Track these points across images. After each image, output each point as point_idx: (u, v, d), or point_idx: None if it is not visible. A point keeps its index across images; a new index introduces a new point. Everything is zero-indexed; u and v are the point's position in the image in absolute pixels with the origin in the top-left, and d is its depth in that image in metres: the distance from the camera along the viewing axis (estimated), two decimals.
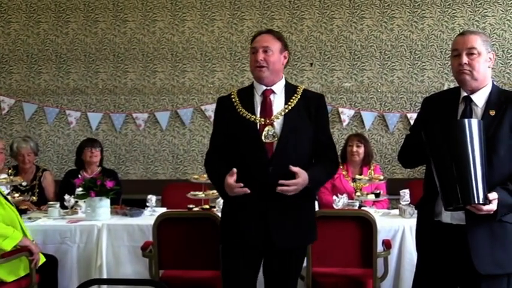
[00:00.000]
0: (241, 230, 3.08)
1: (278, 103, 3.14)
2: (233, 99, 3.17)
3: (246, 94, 3.19)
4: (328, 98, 6.37)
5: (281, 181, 2.96)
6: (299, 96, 3.15)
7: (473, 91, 2.84)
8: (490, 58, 2.84)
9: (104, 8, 6.51)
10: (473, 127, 2.65)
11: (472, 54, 2.79)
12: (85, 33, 6.52)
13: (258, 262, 3.20)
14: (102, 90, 6.55)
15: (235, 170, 3.00)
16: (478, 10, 6.35)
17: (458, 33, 2.98)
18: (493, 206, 2.66)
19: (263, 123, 3.08)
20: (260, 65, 3.10)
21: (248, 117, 3.10)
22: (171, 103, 6.53)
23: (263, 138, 3.06)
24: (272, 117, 3.09)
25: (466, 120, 2.69)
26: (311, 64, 6.44)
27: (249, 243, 3.08)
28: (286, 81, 3.23)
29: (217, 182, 3.13)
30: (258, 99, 3.15)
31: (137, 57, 6.52)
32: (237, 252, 3.12)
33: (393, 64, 6.42)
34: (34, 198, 5.31)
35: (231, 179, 3.00)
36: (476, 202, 2.63)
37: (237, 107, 3.14)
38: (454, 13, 6.36)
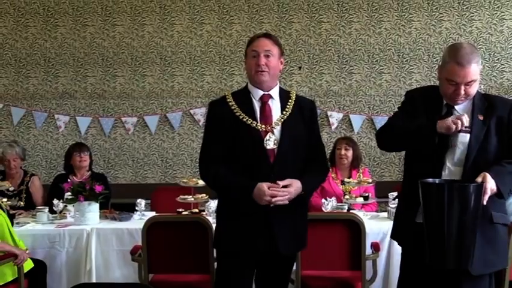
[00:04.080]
0: (244, 238, 3.05)
1: (275, 109, 3.14)
2: (230, 103, 3.11)
3: (243, 98, 3.14)
4: (316, 102, 6.32)
5: (271, 191, 2.96)
6: (293, 102, 3.15)
7: None
8: (480, 74, 2.88)
9: (93, 12, 6.50)
10: (472, 192, 2.63)
11: (470, 85, 2.80)
12: (74, 37, 6.51)
13: (254, 269, 3.19)
14: (91, 94, 6.54)
15: (280, 183, 2.98)
16: (465, 14, 6.40)
17: (452, 51, 2.83)
18: (490, 184, 2.66)
19: (264, 129, 3.07)
20: (262, 70, 3.07)
21: (249, 122, 3.06)
22: (160, 107, 6.53)
23: (265, 145, 3.05)
24: (272, 123, 3.09)
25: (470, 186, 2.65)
26: (300, 68, 6.46)
27: (252, 250, 3.07)
28: (280, 87, 3.23)
29: (242, 190, 3.02)
30: (256, 104, 3.12)
31: (126, 61, 6.52)
32: (234, 261, 3.11)
33: (381, 67, 6.46)
34: (21, 203, 5.29)
35: (265, 185, 2.96)
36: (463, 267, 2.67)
37: (235, 111, 3.09)
38: (441, 17, 6.41)
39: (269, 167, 3.03)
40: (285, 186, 2.99)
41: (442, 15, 6.42)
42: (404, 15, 6.43)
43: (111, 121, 6.51)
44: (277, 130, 3.08)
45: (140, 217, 4.75)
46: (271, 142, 3.06)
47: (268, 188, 2.96)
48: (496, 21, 6.38)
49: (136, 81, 6.52)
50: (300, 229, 3.17)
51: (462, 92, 2.80)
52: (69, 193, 4.68)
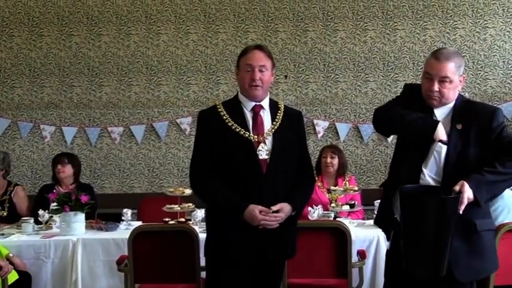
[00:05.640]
0: (237, 248, 3.07)
1: (266, 119, 3.17)
2: (221, 113, 3.13)
3: (234, 108, 3.15)
4: (302, 110, 6.38)
5: (262, 216, 2.98)
6: (282, 113, 3.19)
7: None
8: (460, 81, 2.91)
9: (78, 22, 6.49)
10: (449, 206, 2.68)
11: (444, 82, 2.84)
12: (59, 47, 6.49)
13: (247, 278, 3.16)
14: (77, 104, 6.52)
15: (272, 208, 3.00)
16: (449, 22, 6.46)
17: (434, 51, 2.98)
18: (468, 193, 2.69)
19: (256, 140, 3.09)
20: (256, 84, 3.09)
21: (242, 133, 3.08)
22: (146, 116, 6.52)
23: (258, 155, 3.07)
24: (264, 134, 3.11)
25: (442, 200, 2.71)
26: (285, 76, 6.48)
27: (245, 263, 3.08)
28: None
29: (232, 208, 3.05)
30: (248, 115, 3.14)
31: (112, 71, 6.51)
32: (227, 272, 3.11)
33: (367, 76, 6.49)
34: (4, 213, 5.25)
35: (257, 210, 2.99)
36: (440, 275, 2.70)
37: (227, 121, 3.10)
38: (425, 25, 6.46)
39: (262, 177, 3.05)
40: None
41: (426, 23, 6.47)
42: (389, 23, 6.48)
43: (97, 131, 6.49)
44: (268, 140, 3.10)
45: (126, 227, 4.74)
46: (263, 152, 3.08)
47: (260, 212, 2.98)
48: (479, 29, 6.44)
49: (122, 91, 6.51)
50: (289, 237, 3.18)
51: (436, 87, 2.84)
52: (54, 203, 4.66)
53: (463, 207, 2.69)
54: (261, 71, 3.10)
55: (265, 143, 3.09)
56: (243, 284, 3.12)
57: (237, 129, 3.08)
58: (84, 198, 4.57)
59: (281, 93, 6.45)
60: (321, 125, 6.46)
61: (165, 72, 6.51)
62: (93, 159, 6.51)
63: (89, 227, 4.74)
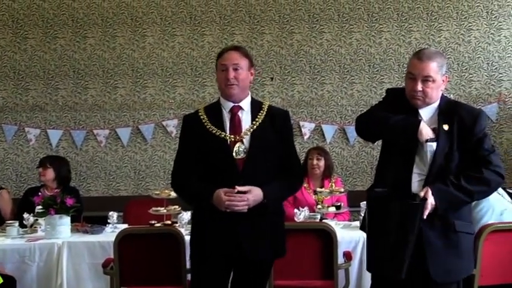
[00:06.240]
0: (213, 243, 3.10)
1: (246, 119, 3.20)
2: (201, 117, 3.20)
3: (214, 111, 3.22)
4: (289, 112, 6.42)
5: (227, 196, 3.00)
6: (265, 113, 3.21)
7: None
8: (443, 81, 2.94)
9: (63, 24, 6.46)
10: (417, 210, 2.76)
11: (427, 81, 2.87)
12: (44, 50, 6.46)
13: (228, 277, 3.22)
14: (62, 107, 6.48)
15: (237, 188, 3.02)
16: (434, 25, 6.50)
17: (416, 51, 3.02)
18: (431, 199, 2.77)
19: (233, 140, 3.13)
20: (231, 83, 3.13)
21: (218, 134, 3.14)
22: (132, 119, 6.50)
23: (234, 154, 3.11)
24: (241, 134, 3.14)
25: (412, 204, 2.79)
26: (271, 78, 6.49)
27: (220, 255, 3.10)
28: (252, 97, 3.28)
29: (202, 196, 3.11)
30: (226, 116, 3.19)
31: (97, 73, 6.48)
32: (207, 268, 3.14)
33: (352, 78, 6.51)
34: None
35: (222, 192, 3.02)
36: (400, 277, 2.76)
37: (205, 124, 3.17)
38: (410, 27, 6.50)
39: (238, 176, 3.08)
40: (244, 193, 3.02)
41: (411, 25, 6.51)
42: (374, 25, 6.51)
43: (82, 134, 6.47)
44: (246, 140, 3.14)
45: (112, 230, 4.71)
46: (240, 152, 3.11)
47: (225, 194, 3.01)
48: (464, 31, 6.49)
49: (108, 93, 6.49)
50: (272, 236, 3.17)
51: (419, 87, 2.87)
52: (40, 206, 4.63)
53: (427, 212, 2.77)
54: (235, 69, 3.14)
55: (242, 142, 3.13)
56: (220, 280, 3.15)
57: (214, 131, 3.14)
58: (69, 201, 4.55)
59: (267, 95, 6.45)
60: (307, 127, 6.47)
61: (151, 75, 6.50)
62: (79, 162, 6.48)
63: (74, 230, 4.71)
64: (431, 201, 2.76)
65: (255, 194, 3.04)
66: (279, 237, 3.24)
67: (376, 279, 3.06)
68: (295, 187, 3.38)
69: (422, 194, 2.79)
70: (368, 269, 2.89)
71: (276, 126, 3.20)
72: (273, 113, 3.24)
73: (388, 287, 2.95)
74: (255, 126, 3.16)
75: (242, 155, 3.11)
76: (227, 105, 3.20)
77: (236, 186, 3.02)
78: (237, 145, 3.12)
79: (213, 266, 3.13)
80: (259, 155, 3.12)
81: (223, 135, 3.13)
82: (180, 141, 3.32)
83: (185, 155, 3.22)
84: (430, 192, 2.78)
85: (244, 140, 3.13)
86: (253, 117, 3.19)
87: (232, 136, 3.13)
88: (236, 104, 3.19)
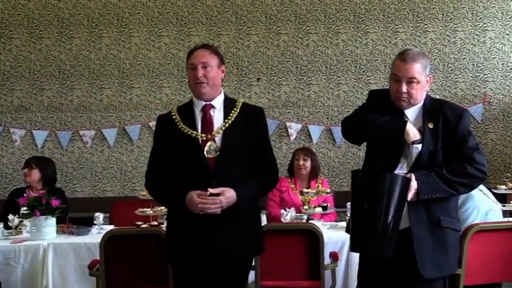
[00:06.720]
0: (187, 247, 3.09)
1: (218, 118, 3.18)
2: (174, 117, 3.19)
3: (186, 110, 3.21)
4: (275, 113, 6.45)
5: (200, 199, 2.99)
6: (238, 110, 3.19)
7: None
8: (427, 81, 2.96)
9: (48, 25, 6.43)
10: (397, 182, 2.77)
11: (412, 83, 2.89)
12: (29, 50, 6.42)
13: (212, 280, 3.17)
14: (48, 108, 6.45)
15: (210, 191, 3.00)
16: (419, 26, 6.53)
17: (400, 52, 3.02)
18: (414, 183, 2.80)
19: (204, 138, 3.11)
20: (200, 81, 3.12)
21: (189, 133, 3.13)
22: (118, 120, 6.48)
23: (205, 153, 3.09)
24: (213, 132, 3.13)
25: (390, 175, 2.81)
26: (258, 79, 6.50)
27: (200, 260, 3.08)
28: (225, 96, 3.26)
29: (174, 199, 3.11)
30: (198, 115, 3.18)
31: (83, 74, 6.46)
32: (191, 276, 3.12)
33: (339, 78, 6.53)
34: None
35: (195, 194, 3.01)
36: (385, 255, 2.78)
37: (177, 123, 3.16)
38: (396, 28, 6.53)
39: (209, 175, 3.06)
40: (217, 195, 3.00)
41: (397, 26, 6.54)
42: (360, 26, 6.53)
43: (68, 134, 6.44)
44: (218, 138, 3.12)
45: (98, 231, 4.69)
46: (211, 150, 3.10)
47: (198, 196, 3.00)
48: (449, 32, 6.53)
49: (94, 94, 6.46)
50: (247, 235, 3.14)
51: (404, 89, 2.89)
52: (25, 208, 4.60)
53: (410, 194, 2.79)
54: (204, 67, 3.12)
55: (214, 141, 3.11)
56: (199, 283, 3.13)
57: (185, 130, 3.13)
58: (55, 202, 4.52)
59: (254, 96, 6.46)
60: (294, 128, 6.48)
61: (137, 75, 6.48)
62: (65, 163, 6.45)
63: (60, 231, 4.68)
64: (414, 184, 2.79)
65: (227, 195, 3.01)
66: (255, 235, 3.22)
67: (363, 266, 3.06)
68: (270, 185, 3.32)
69: (408, 174, 2.83)
70: (352, 250, 2.91)
71: (250, 124, 3.17)
72: (247, 111, 3.21)
73: (375, 279, 2.96)
74: (227, 125, 3.14)
75: (213, 154, 3.09)
76: (199, 104, 3.19)
77: (209, 189, 3.00)
78: (209, 144, 3.10)
79: (196, 274, 3.10)
80: (231, 154, 3.10)
81: (194, 134, 3.12)
82: (154, 141, 3.33)
83: (158, 155, 3.22)
84: (413, 176, 2.81)
85: (216, 138, 3.11)
86: (226, 115, 3.17)
87: (204, 135, 3.12)
88: (208, 103, 3.18)
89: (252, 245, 3.21)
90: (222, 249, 3.05)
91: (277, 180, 3.37)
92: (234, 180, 3.06)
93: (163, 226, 4.54)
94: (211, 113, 3.18)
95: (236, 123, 3.15)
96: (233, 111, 3.18)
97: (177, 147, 3.12)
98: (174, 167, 3.14)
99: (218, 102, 3.20)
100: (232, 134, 3.12)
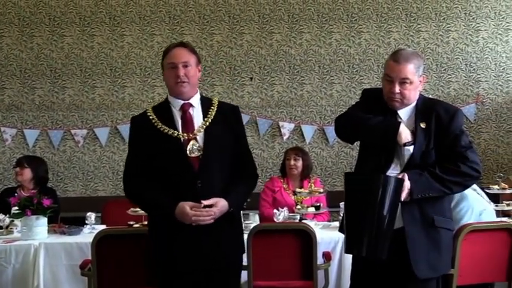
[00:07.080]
0: (182, 260, 3.02)
1: (197, 117, 3.13)
2: (150, 117, 3.11)
3: (163, 110, 3.14)
4: (268, 112, 6.45)
5: (194, 211, 2.93)
6: (216, 109, 3.15)
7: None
8: (420, 81, 2.96)
9: (40, 23, 6.39)
10: (389, 184, 2.76)
11: (405, 83, 2.88)
12: (20, 48, 6.39)
13: (200, 284, 3.12)
14: (39, 106, 6.41)
15: (204, 202, 2.94)
16: (412, 25, 6.53)
17: (393, 52, 3.01)
18: (407, 183, 2.80)
19: (186, 138, 3.05)
20: (182, 81, 3.07)
21: (170, 133, 3.05)
22: (110, 119, 6.45)
23: (188, 153, 3.03)
24: (195, 131, 3.08)
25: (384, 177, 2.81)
26: (251, 78, 6.48)
27: (191, 270, 3.03)
28: (201, 94, 3.22)
29: (160, 208, 3.02)
30: (177, 114, 3.12)
31: (75, 73, 6.42)
32: (178, 279, 3.06)
33: (332, 78, 6.53)
34: None
35: (188, 206, 2.94)
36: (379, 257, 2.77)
37: (156, 124, 3.08)
38: (389, 28, 6.53)
39: (194, 175, 3.01)
40: (209, 206, 2.95)
41: (390, 26, 6.54)
42: (354, 26, 6.53)
43: (60, 133, 6.40)
44: (200, 137, 3.07)
45: (90, 231, 4.66)
46: (194, 150, 3.05)
47: (191, 208, 2.93)
48: (442, 32, 6.54)
49: (86, 93, 6.43)
50: (234, 239, 3.12)
51: (397, 89, 2.88)
52: (16, 207, 4.57)
53: (404, 194, 2.79)
54: (185, 66, 3.08)
55: (196, 140, 3.06)
56: None
57: (165, 130, 3.06)
58: (46, 202, 4.49)
59: (246, 95, 6.44)
60: (287, 127, 6.47)
61: (129, 74, 6.45)
62: (56, 162, 6.41)
63: (51, 231, 4.65)
64: (407, 184, 2.79)
65: (220, 205, 2.96)
66: (237, 236, 3.18)
67: (356, 266, 3.05)
68: (254, 187, 3.28)
69: (399, 177, 2.82)
70: (346, 251, 2.87)
71: (228, 122, 3.14)
72: (223, 109, 3.18)
73: (368, 279, 2.96)
74: (207, 123, 3.10)
75: (196, 153, 3.04)
76: (177, 103, 3.12)
77: (202, 201, 2.93)
78: (191, 143, 3.04)
79: (187, 280, 3.04)
80: (214, 152, 3.05)
81: (176, 134, 3.05)
82: (129, 144, 3.22)
83: (137, 158, 3.11)
84: (406, 176, 2.81)
85: (198, 137, 3.06)
86: (205, 114, 3.13)
87: (185, 134, 3.06)
88: (186, 101, 3.12)
89: (236, 248, 3.17)
90: (214, 257, 3.01)
91: (257, 178, 3.32)
92: (217, 179, 3.03)
93: None
94: (191, 112, 3.12)
95: (216, 121, 3.11)
96: (211, 110, 3.13)
97: (158, 148, 3.04)
98: (155, 168, 3.05)
99: (196, 101, 3.15)
100: (213, 133, 3.08)
